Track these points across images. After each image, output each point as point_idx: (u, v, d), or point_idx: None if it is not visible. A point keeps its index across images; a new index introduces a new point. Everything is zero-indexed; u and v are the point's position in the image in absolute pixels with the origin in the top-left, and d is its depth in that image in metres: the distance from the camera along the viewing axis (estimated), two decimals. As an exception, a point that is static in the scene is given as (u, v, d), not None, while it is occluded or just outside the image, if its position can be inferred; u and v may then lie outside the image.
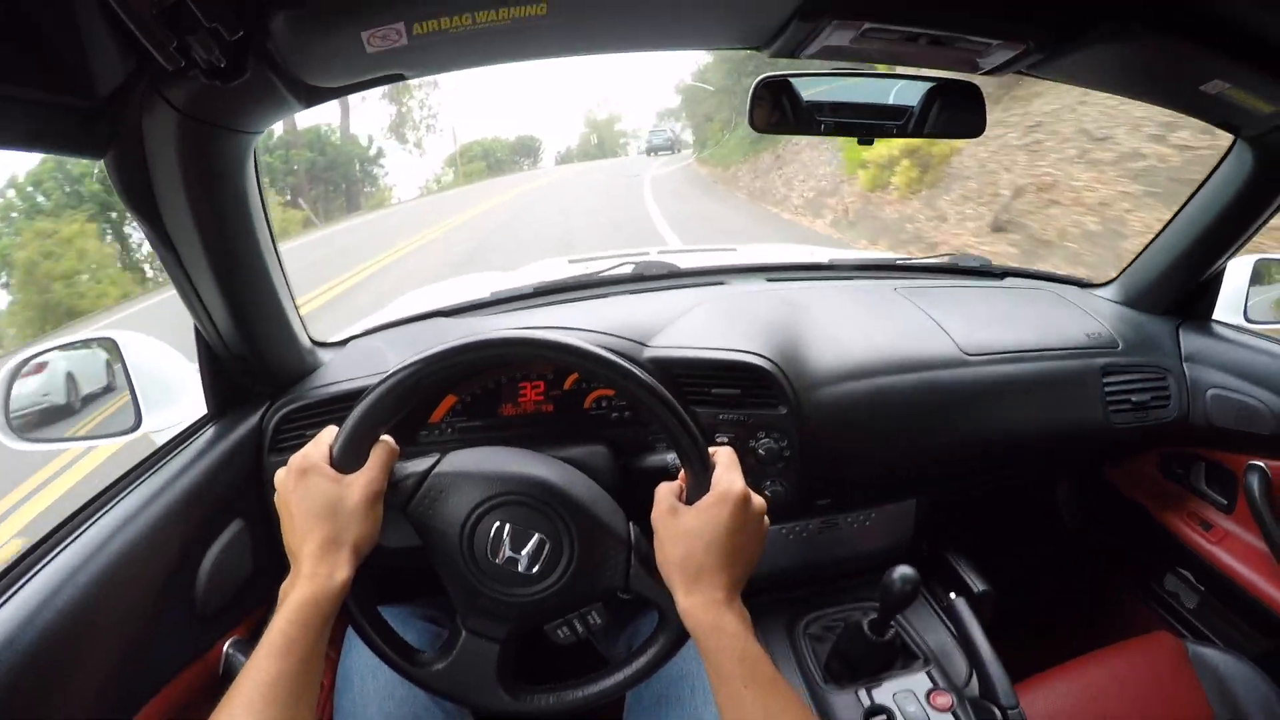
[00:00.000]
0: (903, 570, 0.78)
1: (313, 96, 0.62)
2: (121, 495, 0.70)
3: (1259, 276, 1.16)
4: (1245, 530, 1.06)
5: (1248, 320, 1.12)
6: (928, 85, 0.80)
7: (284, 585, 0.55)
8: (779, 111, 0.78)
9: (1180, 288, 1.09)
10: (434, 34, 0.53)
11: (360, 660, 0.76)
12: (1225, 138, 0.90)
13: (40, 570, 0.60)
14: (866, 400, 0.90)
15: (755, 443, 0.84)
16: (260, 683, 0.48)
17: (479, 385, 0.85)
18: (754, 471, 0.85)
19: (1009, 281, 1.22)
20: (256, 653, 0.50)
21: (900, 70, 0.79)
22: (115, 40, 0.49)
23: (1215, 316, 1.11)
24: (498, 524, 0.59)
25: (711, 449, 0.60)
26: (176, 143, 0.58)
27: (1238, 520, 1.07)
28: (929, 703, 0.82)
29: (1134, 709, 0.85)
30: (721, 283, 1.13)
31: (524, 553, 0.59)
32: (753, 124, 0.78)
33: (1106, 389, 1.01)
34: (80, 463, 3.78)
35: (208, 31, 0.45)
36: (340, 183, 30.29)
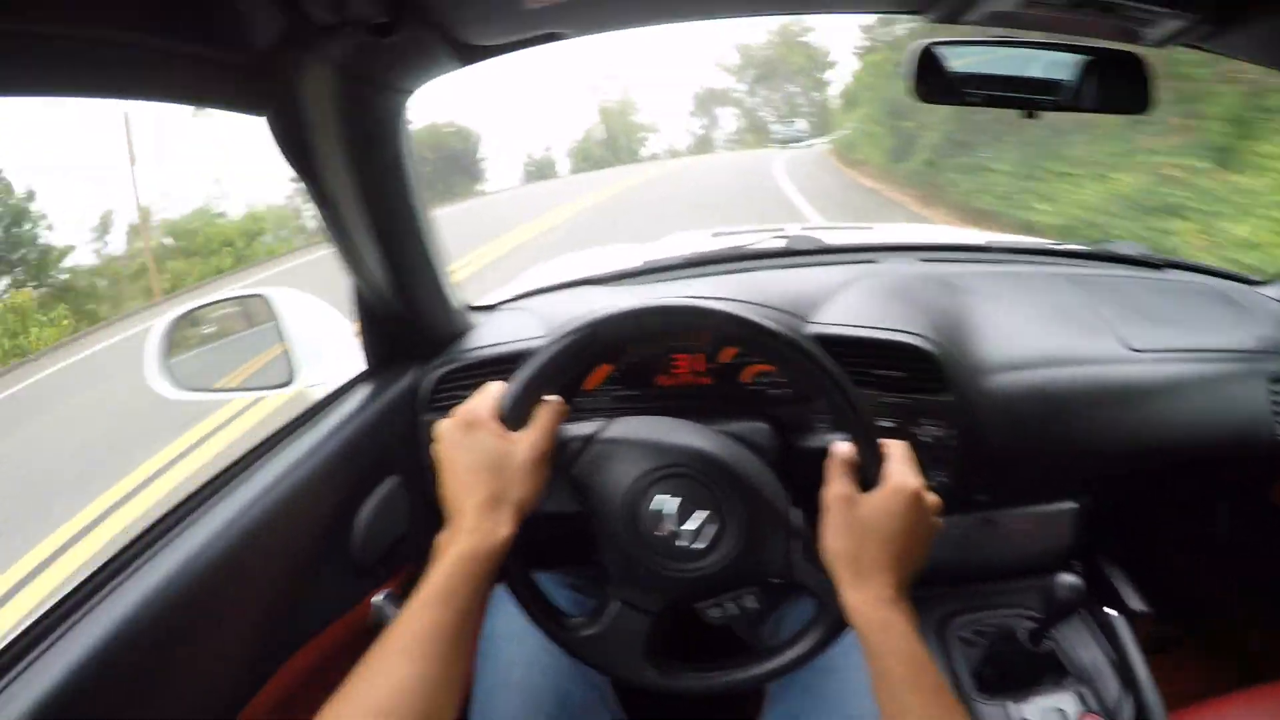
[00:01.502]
0: (1070, 579, 0.73)
1: (469, 55, 0.63)
2: (282, 448, 0.73)
3: None
4: None
5: None
6: (1086, 57, 0.76)
7: (442, 537, 0.54)
8: (927, 82, 0.76)
9: None
10: None
11: (504, 625, 0.75)
12: None
13: (203, 517, 0.63)
14: (1030, 392, 0.85)
15: (917, 430, 0.80)
16: (417, 631, 0.48)
17: (635, 355, 0.84)
18: (916, 461, 0.82)
19: (1170, 273, 1.13)
20: (413, 602, 0.50)
21: (1060, 38, 0.76)
22: None
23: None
24: (663, 496, 0.58)
25: (883, 440, 0.57)
26: (332, 100, 0.60)
27: None
28: None
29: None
30: (873, 260, 1.09)
31: (688, 528, 0.57)
32: (909, 92, 0.77)
33: (1274, 398, 0.92)
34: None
35: None
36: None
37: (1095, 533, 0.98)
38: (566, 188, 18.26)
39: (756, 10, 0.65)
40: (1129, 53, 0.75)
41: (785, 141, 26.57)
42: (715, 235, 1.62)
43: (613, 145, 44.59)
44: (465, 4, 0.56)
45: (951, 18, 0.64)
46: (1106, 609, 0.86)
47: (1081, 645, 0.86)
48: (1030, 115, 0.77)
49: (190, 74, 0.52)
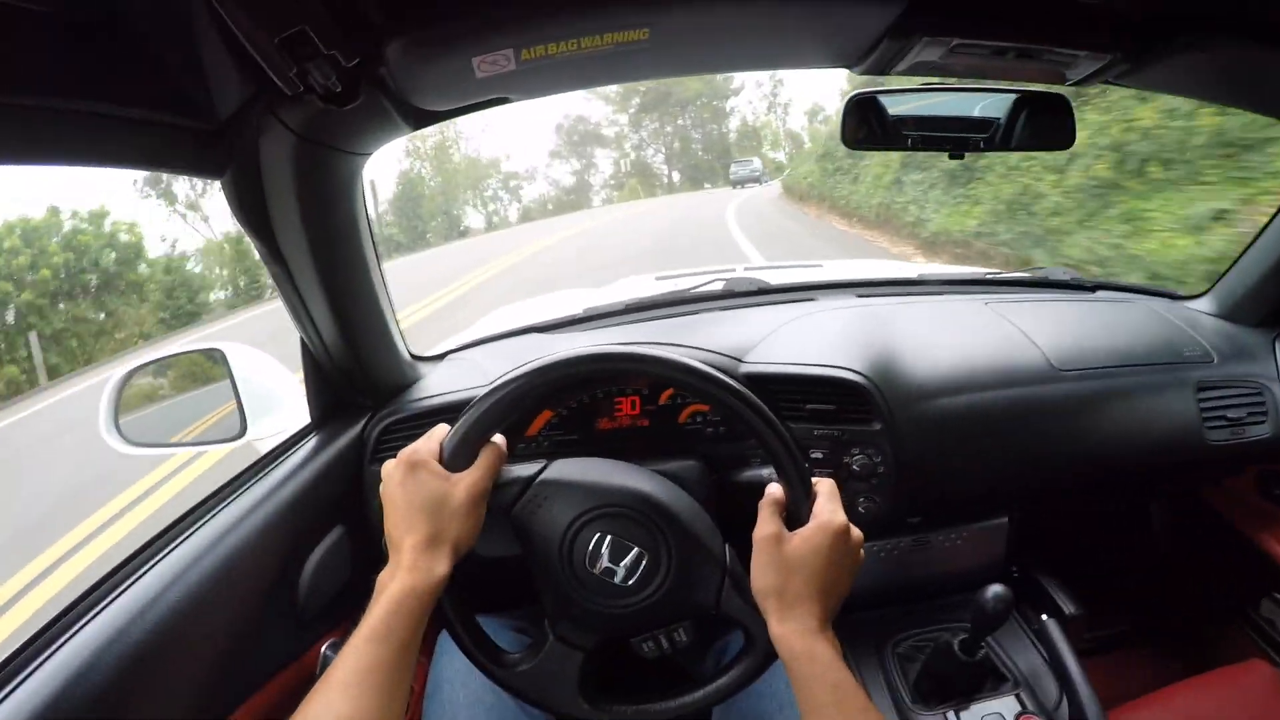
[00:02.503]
0: (996, 590, 0.76)
1: (421, 119, 0.65)
2: (228, 500, 0.74)
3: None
4: None
5: (1348, 331, 1.06)
6: (1013, 97, 0.79)
7: (382, 575, 0.56)
8: (866, 127, 0.79)
9: (1276, 298, 1.04)
10: (541, 59, 0.55)
11: (451, 667, 0.78)
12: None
13: (151, 569, 0.64)
14: (959, 416, 0.89)
15: (849, 458, 0.84)
16: (358, 667, 0.50)
17: (575, 399, 0.87)
18: (848, 488, 0.84)
19: (1100, 294, 1.18)
20: (354, 638, 0.52)
21: (988, 84, 0.78)
22: (235, 66, 0.52)
23: (1314, 328, 1.06)
24: (598, 535, 0.60)
25: (814, 479, 0.60)
26: (291, 163, 0.61)
27: None
28: None
29: (1227, 740, 0.81)
30: (811, 299, 1.12)
31: (622, 565, 0.60)
32: (844, 140, 0.79)
33: (1201, 405, 0.96)
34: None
35: (325, 59, 0.47)
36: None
37: (1030, 543, 1.03)
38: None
39: (689, 70, 0.67)
40: (1054, 93, 0.79)
41: (739, 182, 24.11)
42: (660, 279, 1.65)
43: (411, 214, 24.21)
44: (420, 74, 0.57)
45: (881, 70, 0.66)
46: (1043, 615, 0.90)
47: (1018, 651, 0.91)
48: (958, 156, 0.79)
49: (151, 140, 0.53)
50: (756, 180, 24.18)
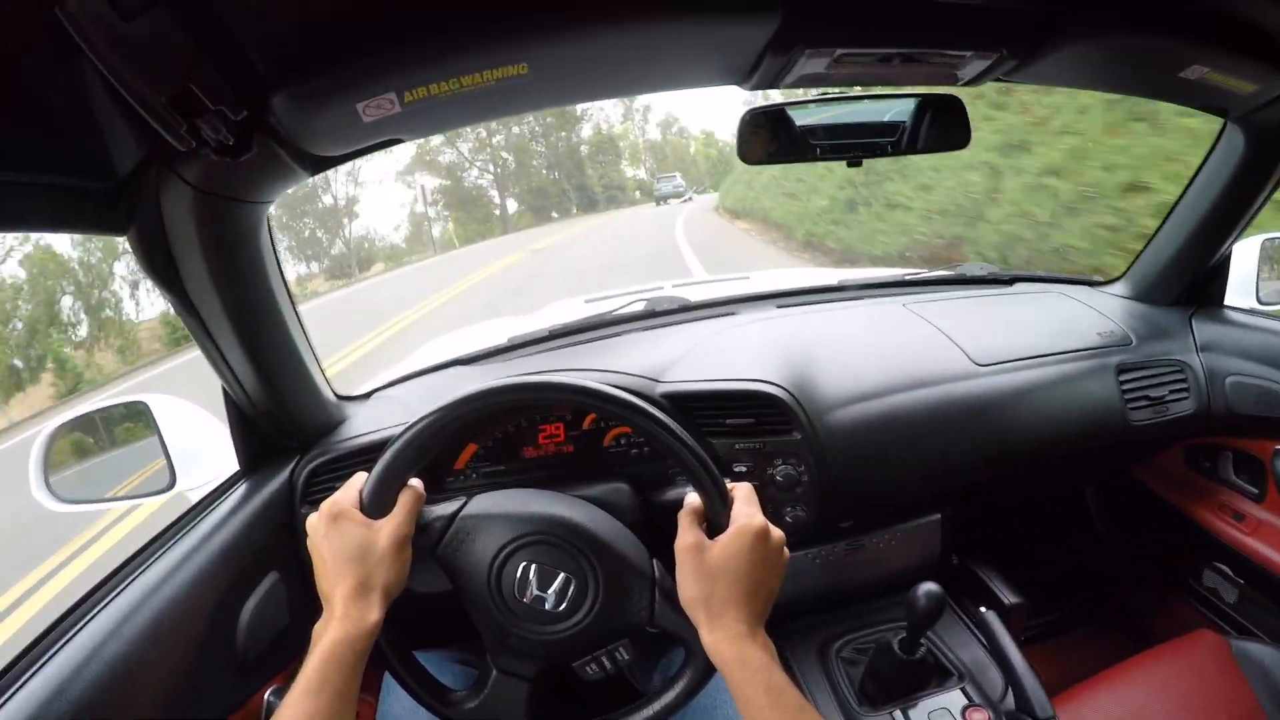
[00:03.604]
0: (926, 587, 0.77)
1: (318, 164, 0.66)
2: (161, 552, 0.73)
3: (1268, 257, 1.15)
4: (1278, 518, 1.04)
5: (1260, 303, 1.10)
6: (913, 101, 0.82)
7: (317, 626, 0.57)
8: (776, 141, 0.80)
9: (1188, 276, 1.08)
10: (424, 100, 0.56)
11: (397, 706, 0.78)
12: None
13: (87, 624, 0.63)
14: (881, 420, 0.90)
15: (773, 470, 0.85)
16: (295, 719, 0.50)
17: (500, 430, 0.87)
18: (774, 499, 0.86)
19: (1018, 287, 1.21)
20: (292, 691, 0.53)
21: (882, 90, 0.80)
22: (130, 125, 0.52)
23: (1227, 302, 1.10)
24: (524, 564, 0.61)
25: (730, 484, 0.61)
26: (193, 216, 0.62)
27: (1270, 508, 1.05)
28: None
29: (1179, 712, 0.83)
30: (732, 313, 1.14)
31: (550, 591, 0.60)
32: (744, 157, 0.80)
33: (1123, 387, 0.99)
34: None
35: (214, 114, 0.48)
36: None
37: (966, 536, 1.05)
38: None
39: (579, 98, 0.68)
40: (950, 95, 0.81)
41: (662, 198, 24.15)
42: (589, 302, 1.67)
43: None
44: (308, 123, 0.57)
45: (771, 84, 0.68)
46: (982, 608, 0.92)
47: (961, 645, 0.93)
48: (855, 164, 0.81)
49: (51, 202, 0.53)
50: (681, 196, 24.54)
